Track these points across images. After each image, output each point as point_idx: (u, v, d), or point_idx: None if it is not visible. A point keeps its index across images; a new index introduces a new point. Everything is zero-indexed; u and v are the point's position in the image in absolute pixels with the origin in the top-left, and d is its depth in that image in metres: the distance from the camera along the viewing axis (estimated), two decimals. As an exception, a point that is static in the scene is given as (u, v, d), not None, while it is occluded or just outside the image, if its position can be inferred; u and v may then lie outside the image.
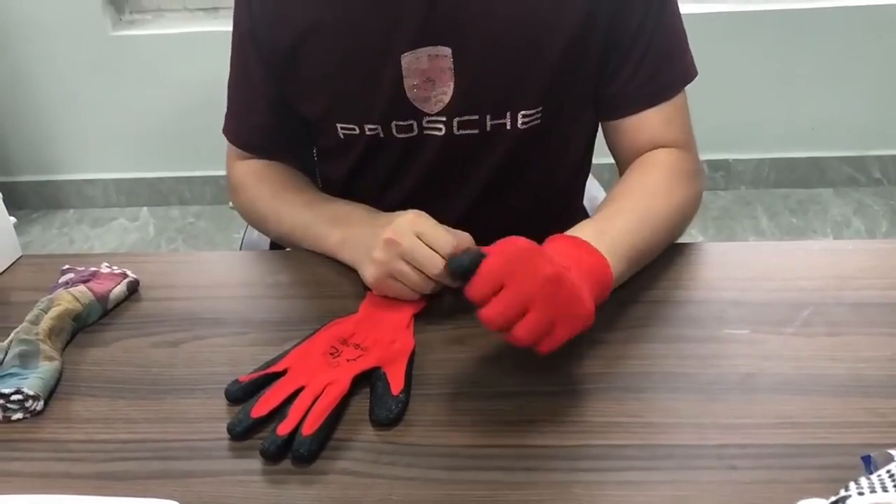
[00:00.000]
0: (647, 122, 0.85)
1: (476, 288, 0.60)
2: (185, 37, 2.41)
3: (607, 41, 0.83)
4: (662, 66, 0.84)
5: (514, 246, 0.61)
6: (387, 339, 0.70)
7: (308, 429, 0.60)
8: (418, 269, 0.71)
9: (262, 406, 0.63)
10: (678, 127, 0.86)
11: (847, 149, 2.47)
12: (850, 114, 2.41)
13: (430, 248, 0.71)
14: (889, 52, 2.31)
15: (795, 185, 2.50)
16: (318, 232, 0.84)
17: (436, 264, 0.70)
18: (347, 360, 0.68)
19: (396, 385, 0.64)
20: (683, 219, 0.83)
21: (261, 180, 0.93)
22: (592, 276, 0.65)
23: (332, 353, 0.69)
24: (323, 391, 0.64)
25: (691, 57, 0.87)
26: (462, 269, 0.62)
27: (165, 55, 2.43)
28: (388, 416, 0.62)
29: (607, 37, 0.82)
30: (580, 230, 0.72)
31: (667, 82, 0.85)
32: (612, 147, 0.90)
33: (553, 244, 0.67)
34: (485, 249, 0.63)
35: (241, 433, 0.62)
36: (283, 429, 0.60)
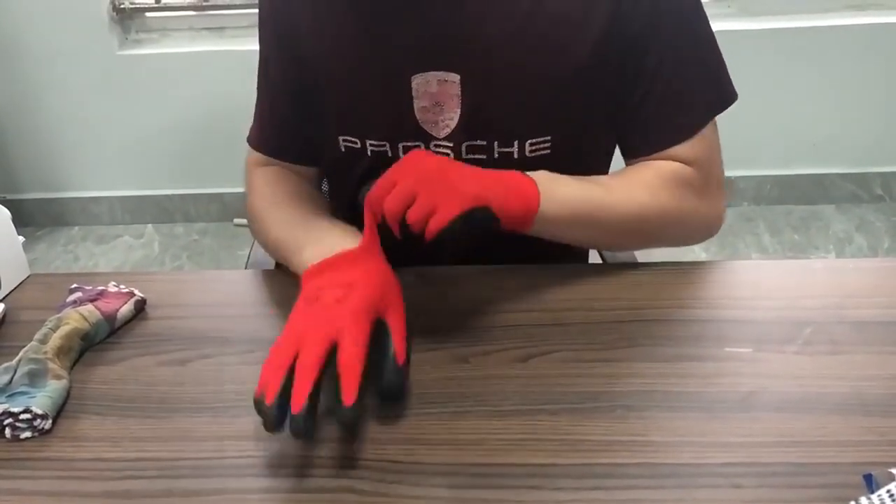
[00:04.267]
0: (668, 154, 0.84)
1: (375, 189, 0.71)
2: (191, 56, 2.43)
3: (626, 76, 0.82)
4: (687, 104, 0.83)
5: (412, 152, 0.74)
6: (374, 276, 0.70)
7: (296, 407, 0.58)
8: None
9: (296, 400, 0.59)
10: (699, 151, 0.84)
11: (849, 165, 2.48)
12: (852, 130, 2.42)
13: None
14: (890, 69, 2.33)
15: (797, 202, 2.51)
16: (289, 246, 0.82)
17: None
18: (336, 301, 0.66)
19: (400, 351, 0.64)
20: (676, 220, 0.84)
21: (268, 185, 0.94)
22: (504, 181, 0.74)
23: (315, 300, 0.67)
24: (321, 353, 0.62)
25: (726, 82, 0.85)
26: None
27: (171, 74, 2.45)
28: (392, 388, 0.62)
29: (625, 72, 0.82)
30: (535, 172, 0.78)
31: (691, 122, 0.84)
32: (627, 164, 0.90)
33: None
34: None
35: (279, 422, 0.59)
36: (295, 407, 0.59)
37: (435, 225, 0.69)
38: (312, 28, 0.86)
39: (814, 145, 2.45)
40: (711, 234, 0.89)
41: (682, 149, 0.84)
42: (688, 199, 0.84)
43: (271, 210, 0.90)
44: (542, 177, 0.77)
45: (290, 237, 0.83)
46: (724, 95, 0.86)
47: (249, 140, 0.98)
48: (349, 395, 0.60)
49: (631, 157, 0.88)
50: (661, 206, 0.82)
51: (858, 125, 2.41)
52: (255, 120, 0.97)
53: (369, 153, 0.88)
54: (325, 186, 1.07)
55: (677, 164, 0.84)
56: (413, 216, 0.69)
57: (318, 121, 0.91)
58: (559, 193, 0.77)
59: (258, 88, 0.96)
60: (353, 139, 0.88)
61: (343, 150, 0.89)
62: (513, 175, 0.76)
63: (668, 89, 0.82)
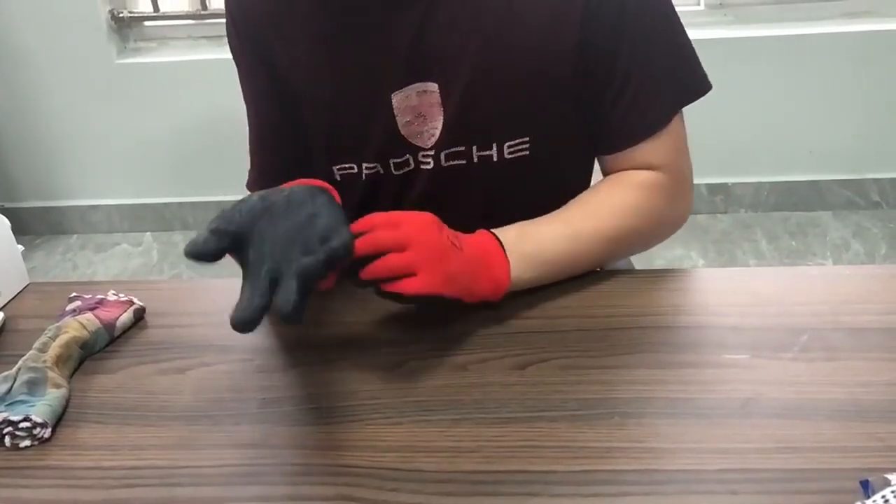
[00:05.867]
0: (639, 151, 0.85)
1: (376, 217, 0.69)
2: (190, 64, 2.44)
3: (598, 73, 0.83)
4: (657, 97, 0.84)
5: (421, 213, 0.72)
6: None
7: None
8: None
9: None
10: (669, 151, 0.86)
11: (845, 172, 2.48)
12: (848, 137, 2.43)
13: None
14: (886, 76, 2.34)
15: (795, 209, 2.51)
16: None
17: None
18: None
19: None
20: (649, 230, 0.87)
21: None
22: (481, 276, 0.74)
23: None
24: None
25: (697, 74, 0.86)
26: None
27: (170, 83, 2.46)
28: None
29: (597, 69, 0.83)
30: (508, 231, 0.79)
31: (662, 114, 0.85)
32: (601, 166, 0.92)
33: (465, 236, 0.75)
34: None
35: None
36: None
37: (411, 287, 0.68)
38: (286, 63, 0.86)
39: (810, 152, 2.46)
40: (678, 228, 0.91)
41: (650, 152, 0.85)
42: (659, 207, 0.86)
43: None
44: (511, 245, 0.77)
45: None
46: (692, 86, 0.86)
47: (247, 185, 0.97)
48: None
49: (602, 151, 0.89)
50: (632, 231, 0.85)
51: (855, 132, 2.42)
52: (251, 166, 0.97)
53: (364, 177, 0.88)
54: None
55: (648, 172, 0.85)
56: (393, 263, 0.68)
57: (307, 151, 0.90)
58: (529, 265, 0.78)
59: (249, 133, 0.95)
60: (348, 165, 0.88)
61: (339, 178, 0.89)
62: (491, 261, 0.76)
63: (635, 86, 0.83)
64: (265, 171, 0.95)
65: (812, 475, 0.58)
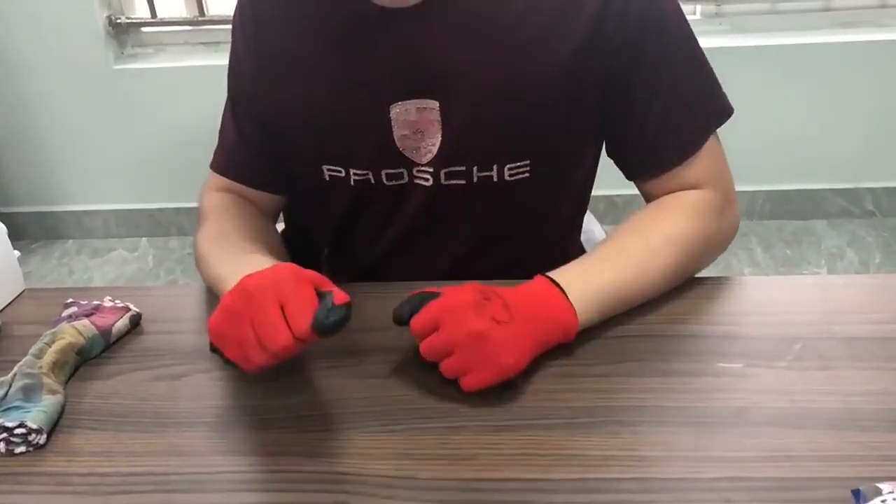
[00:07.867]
0: (681, 172, 0.84)
1: (416, 325, 0.70)
2: (186, 70, 2.44)
3: (618, 96, 0.82)
4: (688, 117, 0.83)
5: (458, 297, 0.69)
6: None
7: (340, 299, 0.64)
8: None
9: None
10: (710, 167, 0.85)
11: (840, 181, 2.49)
12: (843, 146, 2.44)
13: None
14: (882, 85, 2.35)
15: (790, 217, 2.52)
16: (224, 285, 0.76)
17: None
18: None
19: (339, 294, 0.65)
20: (703, 254, 0.84)
21: (217, 220, 0.92)
22: (545, 327, 0.72)
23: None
24: None
25: (721, 95, 0.86)
26: (402, 318, 0.71)
27: (167, 88, 2.46)
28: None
29: (609, 93, 0.82)
30: (566, 271, 0.76)
31: (693, 135, 0.84)
32: (642, 191, 0.90)
33: (516, 293, 0.72)
34: (434, 290, 0.72)
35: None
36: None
37: (465, 387, 0.69)
38: (289, 59, 0.86)
39: (806, 161, 2.47)
40: (728, 245, 0.89)
41: (692, 171, 0.84)
42: (711, 229, 0.84)
43: (214, 246, 0.88)
44: (572, 289, 0.74)
45: (227, 273, 0.78)
46: (721, 107, 0.86)
47: (214, 166, 0.97)
48: (340, 296, 0.64)
49: (637, 177, 0.88)
50: (690, 258, 0.82)
51: (849, 141, 2.43)
52: (221, 147, 0.96)
53: (352, 182, 0.88)
54: (295, 216, 1.06)
55: (693, 192, 0.84)
56: (446, 372, 0.69)
57: (294, 151, 0.90)
58: (594, 305, 0.75)
59: (224, 116, 0.95)
60: (336, 168, 0.88)
61: (328, 178, 0.89)
62: (551, 308, 0.72)
63: (668, 107, 0.82)
64: (232, 151, 0.94)
65: (805, 484, 0.58)
